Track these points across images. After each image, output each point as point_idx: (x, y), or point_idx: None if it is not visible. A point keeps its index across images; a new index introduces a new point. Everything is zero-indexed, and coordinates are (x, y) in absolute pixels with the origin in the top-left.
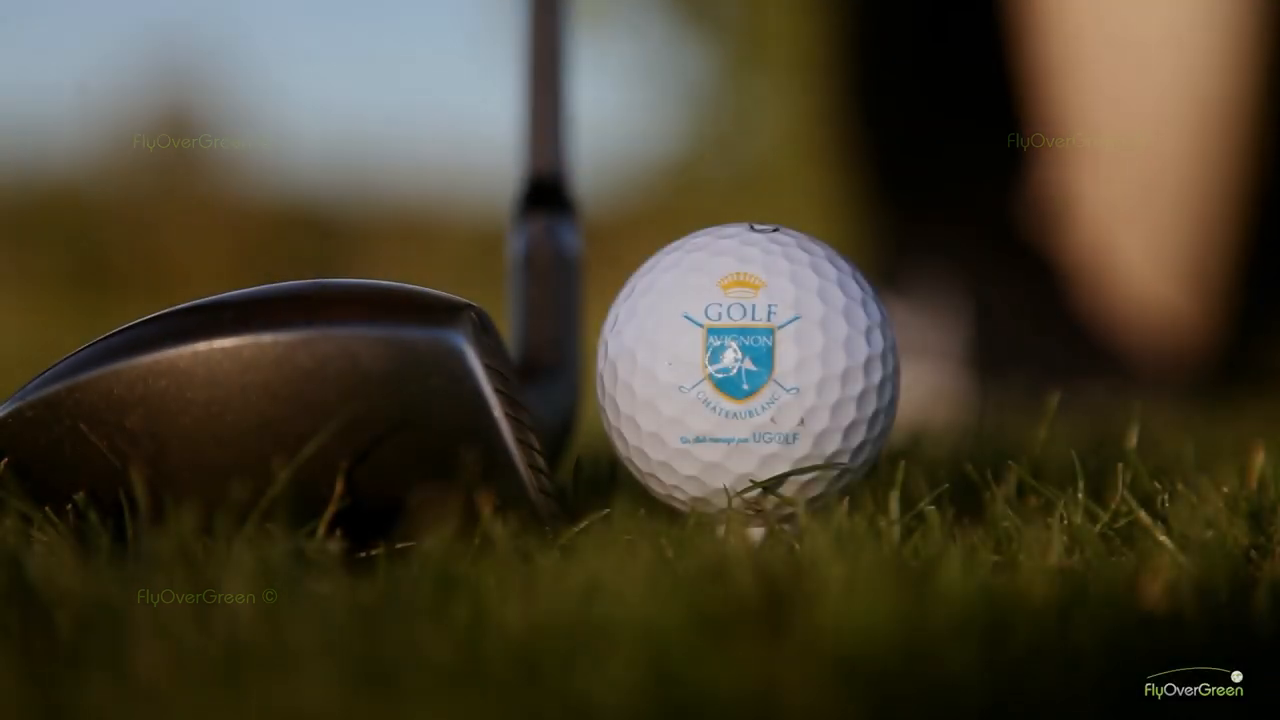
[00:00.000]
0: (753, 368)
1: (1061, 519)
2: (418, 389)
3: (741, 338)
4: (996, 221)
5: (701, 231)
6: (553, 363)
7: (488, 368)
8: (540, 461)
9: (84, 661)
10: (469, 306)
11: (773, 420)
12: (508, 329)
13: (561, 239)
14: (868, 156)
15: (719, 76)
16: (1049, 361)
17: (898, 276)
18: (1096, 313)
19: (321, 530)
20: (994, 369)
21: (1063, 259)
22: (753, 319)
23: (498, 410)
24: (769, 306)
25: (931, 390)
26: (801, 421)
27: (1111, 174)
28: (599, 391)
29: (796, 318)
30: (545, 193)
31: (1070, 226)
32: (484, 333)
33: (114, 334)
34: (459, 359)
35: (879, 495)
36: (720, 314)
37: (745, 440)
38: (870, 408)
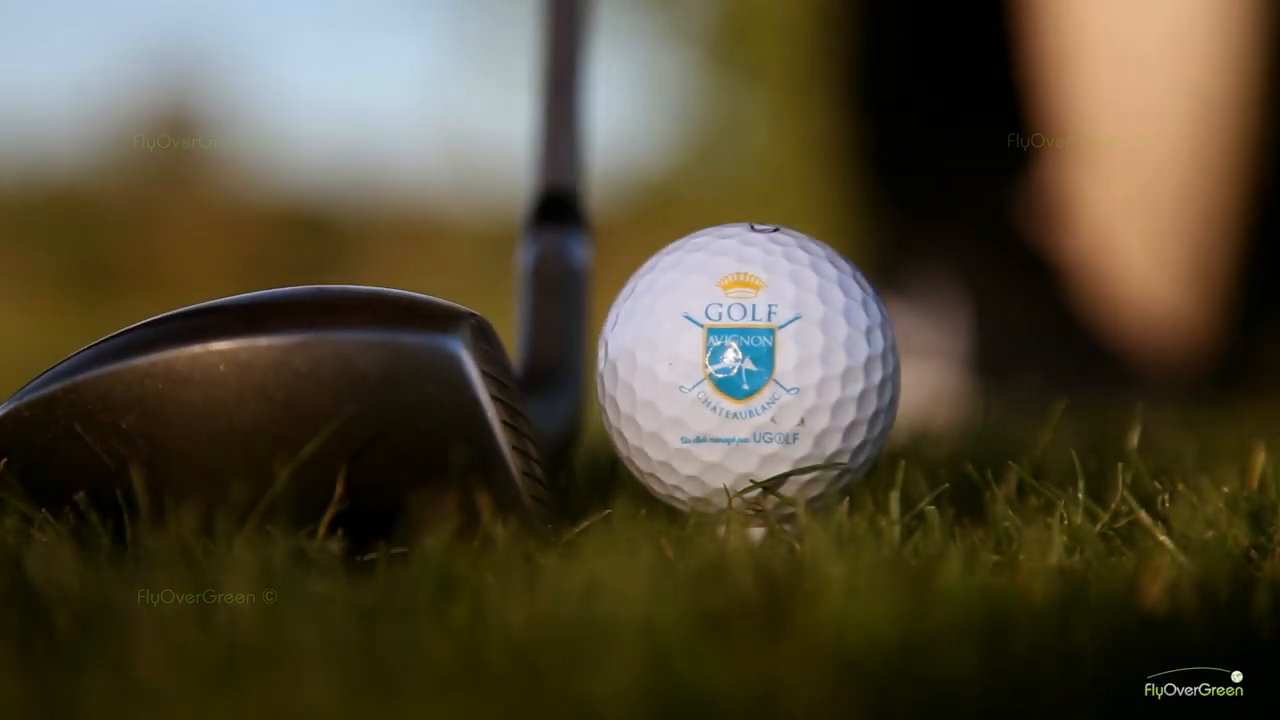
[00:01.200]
0: (753, 368)
1: (1062, 519)
2: (414, 394)
3: (742, 338)
4: (997, 221)
5: (701, 231)
6: (557, 373)
7: (485, 375)
8: (537, 470)
9: (84, 661)
10: (469, 314)
11: (773, 420)
12: (515, 338)
13: (571, 252)
14: (868, 156)
15: (719, 76)
16: (1049, 361)
17: (898, 276)
18: (1097, 312)
19: (321, 531)
20: (994, 369)
21: (1063, 259)
22: (753, 319)
23: (493, 417)
24: (769, 306)
25: (932, 390)
26: (802, 421)
27: (1112, 174)
28: (599, 392)
29: (797, 318)
30: (557, 206)
31: (1070, 226)
32: (483, 340)
33: (112, 336)
34: (455, 365)
35: (879, 495)
36: (720, 314)
37: (745, 440)
38: (870, 408)
